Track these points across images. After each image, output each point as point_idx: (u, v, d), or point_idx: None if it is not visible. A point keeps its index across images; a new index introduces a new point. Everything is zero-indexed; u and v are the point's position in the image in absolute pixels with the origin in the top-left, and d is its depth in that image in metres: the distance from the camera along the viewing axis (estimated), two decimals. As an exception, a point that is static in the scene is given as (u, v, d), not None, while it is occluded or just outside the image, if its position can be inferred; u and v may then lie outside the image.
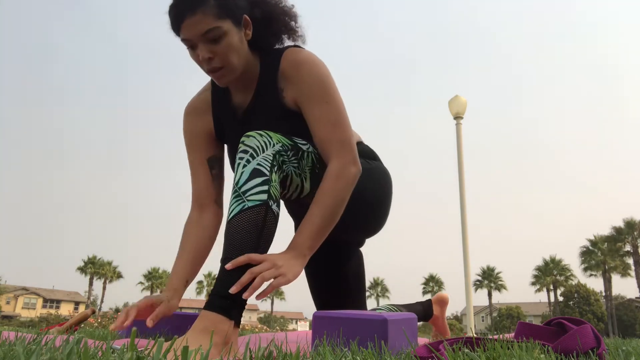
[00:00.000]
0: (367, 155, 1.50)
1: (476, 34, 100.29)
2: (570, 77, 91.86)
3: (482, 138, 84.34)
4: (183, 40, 1.23)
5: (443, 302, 1.94)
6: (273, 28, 1.35)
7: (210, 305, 0.99)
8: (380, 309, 1.67)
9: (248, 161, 1.11)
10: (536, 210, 78.78)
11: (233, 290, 0.99)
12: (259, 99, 1.33)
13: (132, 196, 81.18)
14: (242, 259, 1.02)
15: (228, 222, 1.07)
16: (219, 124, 1.43)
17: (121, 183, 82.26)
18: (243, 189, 1.08)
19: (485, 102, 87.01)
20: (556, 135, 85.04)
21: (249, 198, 1.07)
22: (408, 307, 1.82)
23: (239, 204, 1.07)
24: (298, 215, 1.57)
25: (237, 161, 1.14)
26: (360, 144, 1.51)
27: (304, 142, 1.26)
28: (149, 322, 1.12)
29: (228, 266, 1.01)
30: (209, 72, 1.25)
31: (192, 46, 1.23)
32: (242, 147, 1.14)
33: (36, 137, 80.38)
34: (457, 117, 6.28)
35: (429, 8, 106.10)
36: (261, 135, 1.15)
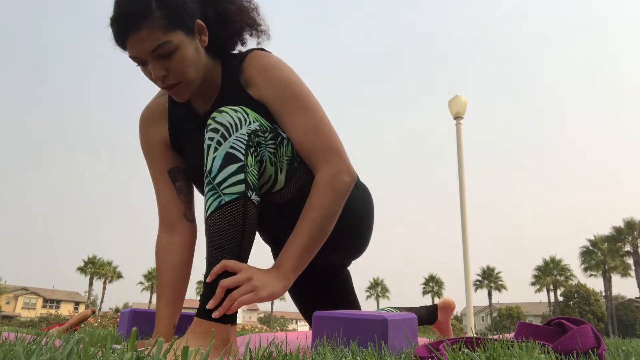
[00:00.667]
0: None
1: (476, 34, 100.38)
2: (570, 76, 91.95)
3: (482, 138, 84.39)
4: (131, 57, 1.09)
5: (449, 308, 1.90)
6: (230, 28, 1.20)
7: (202, 313, 0.96)
8: (384, 311, 1.67)
9: (219, 143, 1.00)
10: (536, 210, 78.84)
11: (210, 306, 0.95)
12: (222, 99, 1.21)
13: (132, 196, 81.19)
14: (217, 268, 0.96)
15: (207, 220, 1.00)
16: (176, 132, 1.29)
17: (121, 183, 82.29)
18: (217, 179, 0.99)
19: (485, 102, 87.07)
20: (556, 135, 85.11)
21: (225, 191, 0.98)
22: (412, 311, 1.80)
23: (216, 199, 0.99)
24: (263, 220, 1.32)
25: (207, 142, 1.02)
26: None
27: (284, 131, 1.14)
28: None
29: (208, 279, 0.97)
30: (164, 89, 1.14)
31: (142, 63, 1.10)
32: (212, 125, 1.01)
33: (36, 136, 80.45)
34: (457, 117, 6.28)
35: (429, 7, 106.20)
36: (235, 110, 1.03)
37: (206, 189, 1.01)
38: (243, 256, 1.01)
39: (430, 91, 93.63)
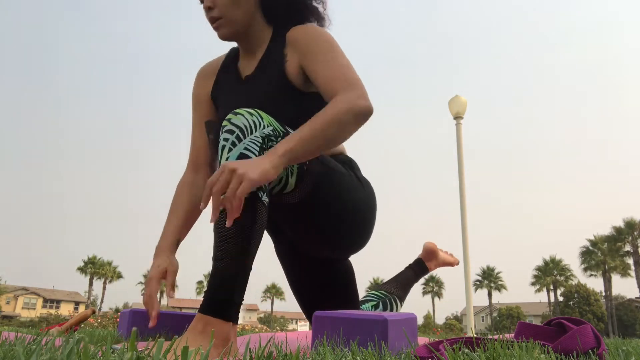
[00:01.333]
0: (352, 167, 1.38)
1: (476, 34, 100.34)
2: (570, 76, 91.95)
3: (482, 138, 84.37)
4: None
5: (433, 254, 1.85)
6: (292, 8, 1.32)
7: (205, 309, 0.97)
8: (372, 299, 1.64)
9: (234, 144, 1.02)
10: (536, 210, 78.82)
11: (201, 207, 0.97)
12: (262, 66, 1.30)
13: (132, 196, 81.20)
14: (206, 193, 0.95)
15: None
16: (217, 89, 1.40)
17: (121, 183, 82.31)
18: None
19: (485, 102, 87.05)
20: (556, 134, 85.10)
21: None
22: (398, 282, 1.74)
23: None
24: (272, 220, 1.38)
25: (222, 143, 1.04)
26: (343, 155, 1.40)
27: None
28: (152, 323, 1.13)
29: (201, 206, 0.97)
30: (209, 21, 1.27)
31: None
32: (227, 126, 1.04)
33: (36, 136, 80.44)
34: (457, 117, 6.27)
35: (429, 7, 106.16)
36: (251, 114, 1.06)
37: None
38: (250, 254, 1.02)
39: (430, 91, 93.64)
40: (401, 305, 1.71)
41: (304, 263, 1.45)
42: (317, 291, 1.49)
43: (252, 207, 1.01)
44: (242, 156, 1.01)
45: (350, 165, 1.38)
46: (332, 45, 1.23)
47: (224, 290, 0.98)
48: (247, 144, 1.02)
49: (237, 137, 1.03)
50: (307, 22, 1.32)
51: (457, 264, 1.96)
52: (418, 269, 1.82)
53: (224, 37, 1.28)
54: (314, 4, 1.35)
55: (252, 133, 1.03)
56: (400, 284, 1.76)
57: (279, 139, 1.08)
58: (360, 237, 1.37)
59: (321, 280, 1.48)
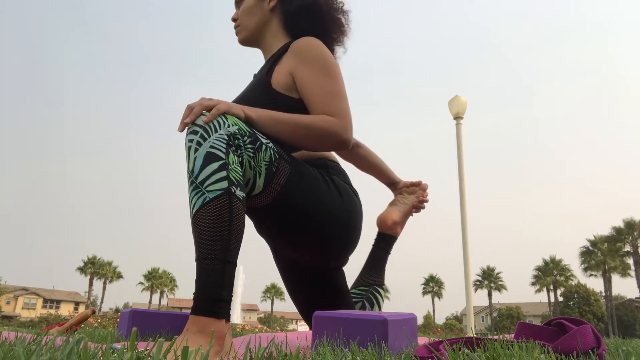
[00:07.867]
0: (329, 171, 1.37)
1: (476, 34, 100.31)
2: (570, 76, 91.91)
3: (482, 138, 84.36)
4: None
5: (389, 220, 1.67)
6: (307, 20, 1.42)
7: (197, 310, 0.96)
8: (355, 299, 1.57)
9: (199, 144, 1.03)
10: (536, 210, 78.79)
11: (179, 129, 1.07)
12: (262, 68, 1.41)
13: (132, 196, 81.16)
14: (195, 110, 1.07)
15: (193, 219, 1.01)
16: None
17: (121, 183, 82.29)
18: (200, 178, 1.01)
19: (485, 102, 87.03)
20: (556, 134, 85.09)
21: (208, 189, 1.00)
22: (372, 268, 1.63)
23: (200, 197, 1.00)
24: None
25: (187, 144, 1.05)
26: (323, 159, 1.40)
27: (265, 137, 1.17)
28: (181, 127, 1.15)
29: (179, 129, 1.07)
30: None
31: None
32: (191, 128, 1.05)
33: (36, 136, 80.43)
34: (457, 117, 6.28)
35: (429, 7, 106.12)
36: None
37: (190, 189, 1.03)
38: (232, 251, 1.01)
39: (430, 91, 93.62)
40: (383, 291, 1.63)
41: (294, 267, 1.45)
42: (307, 295, 1.48)
43: (228, 202, 1.00)
44: (208, 154, 1.02)
45: (327, 169, 1.35)
46: (325, 64, 1.27)
47: (211, 289, 0.97)
48: (213, 142, 1.03)
49: (202, 136, 1.04)
50: (329, 36, 1.44)
51: (422, 199, 1.75)
52: (385, 244, 1.67)
53: (240, 41, 1.49)
54: (337, 15, 1.44)
55: (216, 131, 1.04)
56: (376, 269, 1.64)
57: (245, 138, 1.09)
58: (338, 243, 1.31)
59: (311, 286, 1.46)
